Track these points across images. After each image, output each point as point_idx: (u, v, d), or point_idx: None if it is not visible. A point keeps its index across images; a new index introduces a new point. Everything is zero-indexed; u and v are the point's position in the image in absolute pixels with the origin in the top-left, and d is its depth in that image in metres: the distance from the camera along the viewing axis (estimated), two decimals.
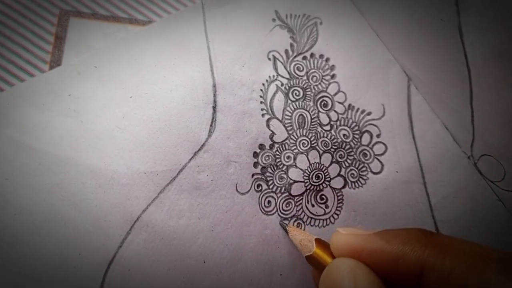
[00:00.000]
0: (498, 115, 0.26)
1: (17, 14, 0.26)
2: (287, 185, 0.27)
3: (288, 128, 0.28)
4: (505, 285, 0.16)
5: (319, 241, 0.23)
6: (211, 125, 0.26)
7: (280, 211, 0.26)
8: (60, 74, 0.25)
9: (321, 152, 0.28)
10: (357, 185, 0.28)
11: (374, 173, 0.28)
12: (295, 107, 0.28)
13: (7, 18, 0.26)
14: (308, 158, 0.27)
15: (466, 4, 0.24)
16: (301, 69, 0.29)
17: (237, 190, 0.26)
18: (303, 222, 0.27)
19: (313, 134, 0.28)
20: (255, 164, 0.27)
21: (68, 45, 0.27)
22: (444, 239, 0.19)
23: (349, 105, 0.29)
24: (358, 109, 0.29)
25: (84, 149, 0.24)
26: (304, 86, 0.29)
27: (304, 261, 0.23)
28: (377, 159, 0.29)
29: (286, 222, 0.26)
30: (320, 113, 0.28)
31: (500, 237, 0.29)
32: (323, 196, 0.27)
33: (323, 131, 0.28)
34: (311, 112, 0.28)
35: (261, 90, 0.28)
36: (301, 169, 0.27)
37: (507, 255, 0.17)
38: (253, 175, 0.26)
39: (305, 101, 0.28)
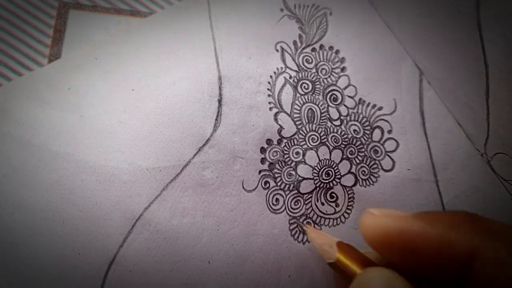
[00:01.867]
0: None
1: (14, 7, 0.26)
2: (295, 182, 0.26)
3: (297, 123, 0.27)
4: None
5: (342, 246, 0.20)
6: (216, 119, 0.26)
7: (289, 209, 0.26)
8: (59, 66, 0.25)
9: (331, 148, 0.27)
10: (368, 183, 0.27)
11: (385, 171, 0.28)
12: (304, 100, 0.27)
13: (5, 11, 0.26)
14: (317, 154, 0.27)
15: None
16: (310, 61, 0.28)
17: (243, 187, 0.25)
18: (313, 221, 0.26)
19: (323, 129, 0.27)
20: (263, 160, 0.26)
21: (68, 39, 0.26)
22: (495, 225, 0.17)
23: (360, 99, 0.29)
24: (369, 103, 0.29)
25: (83, 144, 0.23)
26: (313, 79, 0.28)
27: (314, 262, 0.22)
28: (389, 156, 0.28)
29: (303, 223, 0.25)
30: (330, 108, 0.28)
31: None
32: (333, 194, 0.27)
33: (333, 126, 0.28)
34: (321, 106, 0.28)
35: (269, 82, 0.27)
36: (310, 165, 0.27)
37: None
38: (260, 172, 0.26)
39: (314, 95, 0.28)
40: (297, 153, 0.27)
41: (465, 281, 0.17)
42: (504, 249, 0.16)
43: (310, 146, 0.27)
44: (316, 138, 0.27)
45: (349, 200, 0.27)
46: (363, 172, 0.27)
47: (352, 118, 0.28)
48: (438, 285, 0.18)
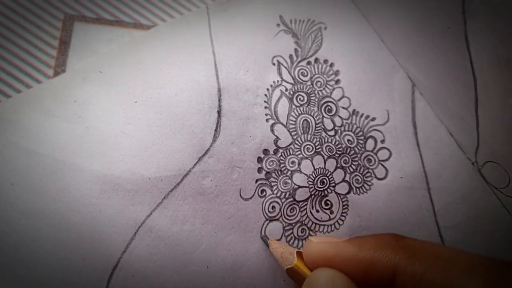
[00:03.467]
0: (503, 122, 0.26)
1: (21, 19, 0.26)
2: (291, 191, 0.27)
3: (293, 133, 0.28)
4: (476, 287, 0.16)
5: (300, 254, 0.23)
6: (215, 130, 0.26)
7: (285, 216, 0.26)
8: (66, 80, 0.25)
9: (325, 157, 0.28)
10: (361, 191, 0.28)
11: (379, 179, 0.28)
12: (300, 112, 0.28)
13: (12, 23, 0.26)
14: (312, 163, 0.27)
15: (473, 12, 0.24)
16: (306, 74, 0.29)
17: (240, 196, 0.26)
18: (308, 228, 0.27)
19: (318, 139, 0.28)
20: (259, 169, 0.26)
21: (73, 50, 0.27)
22: (415, 243, 0.19)
23: (354, 110, 0.29)
24: (362, 114, 0.29)
25: (88, 154, 0.24)
26: (309, 91, 0.29)
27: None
28: (382, 164, 0.28)
29: (267, 236, 0.26)
30: (324, 118, 0.28)
31: (504, 243, 0.28)
32: (328, 202, 0.27)
33: (328, 136, 0.28)
34: (316, 117, 0.28)
35: (266, 95, 0.28)
36: (305, 174, 0.27)
37: (477, 256, 0.18)
38: (257, 181, 0.26)
39: (309, 106, 0.28)
40: (293, 162, 0.27)
41: None
42: (420, 265, 0.18)
43: (305, 155, 0.27)
44: (311, 148, 0.28)
45: (343, 207, 0.27)
46: (356, 181, 0.28)
47: (346, 129, 0.29)
48: None
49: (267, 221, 0.26)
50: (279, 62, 0.28)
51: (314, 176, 0.27)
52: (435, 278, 0.17)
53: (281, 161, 0.27)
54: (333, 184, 0.27)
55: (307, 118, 0.28)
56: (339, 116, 0.29)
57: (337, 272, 0.20)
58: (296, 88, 0.28)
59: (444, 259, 0.18)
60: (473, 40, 0.24)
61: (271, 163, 0.27)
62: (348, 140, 0.28)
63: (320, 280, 0.20)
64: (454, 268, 0.17)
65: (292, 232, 0.26)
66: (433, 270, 0.17)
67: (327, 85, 0.29)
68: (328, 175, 0.27)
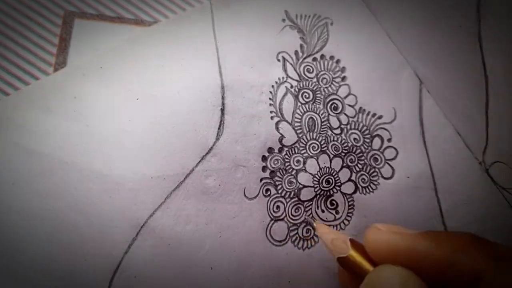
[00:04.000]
0: None
1: (20, 16, 0.26)
2: (296, 190, 0.26)
3: (298, 131, 0.27)
4: None
5: (354, 242, 0.20)
6: (219, 128, 0.26)
7: (289, 216, 0.26)
8: (65, 76, 0.25)
9: (331, 156, 0.27)
10: (368, 190, 0.28)
11: (385, 178, 0.28)
12: (305, 109, 0.28)
13: (11, 20, 0.26)
14: (318, 162, 0.27)
15: (488, 10, 0.23)
16: (311, 70, 0.29)
17: (245, 195, 0.26)
18: (313, 228, 0.26)
19: (323, 138, 0.28)
20: (264, 168, 0.26)
21: (73, 47, 0.26)
22: (501, 249, 0.17)
23: (360, 108, 0.29)
24: (369, 112, 0.29)
25: (89, 153, 0.24)
26: (314, 89, 0.28)
27: (314, 268, 0.23)
28: (388, 164, 0.28)
29: (313, 218, 0.25)
30: (330, 116, 0.28)
31: None
32: (333, 202, 0.27)
33: (334, 134, 0.28)
34: (321, 115, 0.28)
35: (270, 92, 0.27)
36: (311, 173, 0.27)
37: None
38: (261, 180, 0.26)
39: (315, 104, 0.28)
40: (298, 161, 0.27)
41: None
42: (507, 272, 0.16)
43: (311, 154, 0.27)
44: (316, 146, 0.27)
45: (349, 207, 0.27)
46: (363, 180, 0.28)
47: (352, 127, 0.28)
48: None
49: (272, 221, 0.26)
50: (284, 58, 0.28)
51: (320, 176, 0.27)
52: None
53: (286, 160, 0.27)
54: (339, 183, 0.27)
55: (312, 116, 0.28)
56: (345, 114, 0.28)
57: (411, 274, 0.17)
58: (301, 85, 0.28)
59: None
60: (486, 39, 0.24)
61: (275, 162, 0.26)
62: (354, 139, 0.28)
63: (389, 280, 0.17)
64: None
65: (297, 233, 0.26)
66: None
67: (333, 82, 0.29)
68: (333, 174, 0.27)
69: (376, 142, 0.28)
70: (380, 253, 0.19)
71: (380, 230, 0.19)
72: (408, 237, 0.18)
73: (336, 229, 0.27)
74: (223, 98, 0.26)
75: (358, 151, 0.28)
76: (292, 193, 0.26)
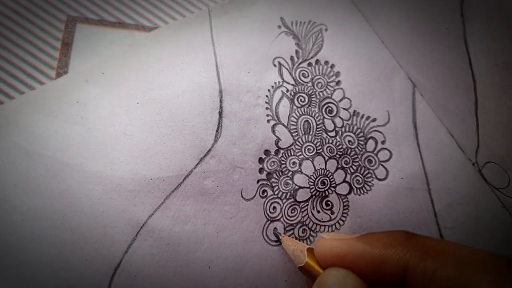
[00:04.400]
0: (503, 124, 0.26)
1: (24, 20, 0.26)
2: (292, 191, 0.27)
3: (294, 134, 0.28)
4: (490, 285, 0.16)
5: (311, 251, 0.22)
6: (217, 131, 0.26)
7: (285, 217, 0.26)
8: (68, 81, 0.25)
9: (326, 158, 0.28)
10: (362, 191, 0.28)
11: (379, 180, 0.28)
12: (301, 113, 0.28)
13: (14, 24, 0.26)
14: (313, 164, 0.27)
15: (472, 14, 0.24)
16: (307, 75, 0.29)
17: (242, 196, 0.26)
18: (309, 228, 0.27)
19: (319, 140, 0.28)
20: (261, 170, 0.27)
21: (75, 52, 0.27)
22: (427, 241, 0.19)
23: (354, 111, 0.29)
24: (363, 115, 0.29)
25: (91, 155, 0.24)
26: (309, 92, 0.29)
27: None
28: (382, 165, 0.29)
29: (279, 232, 0.26)
30: (325, 119, 0.29)
31: (505, 243, 0.28)
32: (328, 202, 0.27)
33: (328, 137, 0.28)
34: (317, 118, 0.28)
35: (267, 96, 0.28)
36: (306, 175, 0.27)
37: (491, 255, 0.17)
38: (258, 181, 0.26)
39: (310, 107, 0.28)
40: (294, 163, 0.27)
41: None
42: (432, 263, 0.17)
43: (306, 156, 0.28)
44: (312, 148, 0.28)
45: (344, 208, 0.27)
46: (357, 181, 0.28)
47: (347, 130, 0.29)
48: None
49: (269, 222, 0.26)
50: (280, 64, 0.29)
51: (315, 177, 0.27)
52: (447, 276, 0.17)
53: (282, 162, 0.27)
54: (334, 184, 0.28)
55: (308, 119, 0.28)
56: (340, 117, 0.29)
57: (349, 273, 0.20)
58: (297, 89, 0.28)
59: (457, 257, 0.17)
60: (472, 42, 0.24)
61: (272, 164, 0.27)
62: (349, 141, 0.28)
63: (331, 280, 0.20)
64: (467, 266, 0.17)
65: (293, 233, 0.26)
66: (446, 268, 0.17)
67: (328, 86, 0.29)
68: (329, 175, 0.28)
69: (370, 144, 0.29)
70: (326, 259, 0.21)
71: (324, 239, 0.21)
72: (348, 241, 0.20)
73: (332, 229, 0.27)
74: (221, 101, 0.27)
75: (353, 153, 0.28)
76: (288, 194, 0.27)
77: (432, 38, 0.26)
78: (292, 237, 0.26)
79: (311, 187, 0.27)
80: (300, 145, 0.28)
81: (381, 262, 0.19)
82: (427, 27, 0.27)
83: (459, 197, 0.28)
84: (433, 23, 0.26)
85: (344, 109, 0.29)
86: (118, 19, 0.28)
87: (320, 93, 0.29)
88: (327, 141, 0.28)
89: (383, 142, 0.29)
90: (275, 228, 0.26)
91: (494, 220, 0.29)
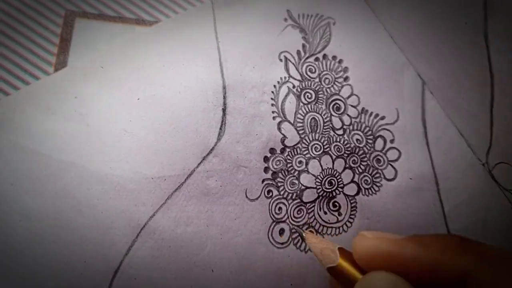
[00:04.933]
0: None
1: (21, 15, 0.26)
2: (298, 191, 0.26)
3: (300, 132, 0.27)
4: None
5: (343, 251, 0.21)
6: (220, 128, 0.26)
7: (291, 218, 0.26)
8: (66, 76, 0.25)
9: (334, 157, 0.27)
10: (370, 192, 0.27)
11: (388, 180, 0.28)
12: (307, 110, 0.28)
13: (11, 19, 0.26)
14: (320, 163, 0.27)
15: (495, 8, 0.23)
16: (314, 70, 0.29)
17: (246, 196, 0.25)
18: (315, 230, 0.26)
19: (326, 139, 0.27)
20: (266, 169, 0.26)
21: (74, 47, 0.26)
22: (485, 247, 0.18)
23: (363, 108, 0.29)
24: (371, 113, 0.29)
25: (89, 153, 0.24)
26: (316, 89, 0.28)
27: (316, 271, 0.22)
28: (391, 165, 0.28)
29: (302, 229, 0.25)
30: (332, 117, 0.28)
31: None
32: (336, 203, 0.27)
33: (336, 135, 0.28)
34: (324, 115, 0.28)
35: (272, 92, 0.27)
36: (313, 174, 0.27)
37: None
38: (263, 181, 0.26)
39: (317, 104, 0.28)
40: (300, 162, 0.27)
41: None
42: (496, 274, 0.16)
43: (313, 155, 0.27)
44: (319, 147, 0.27)
45: (352, 209, 0.27)
46: (365, 181, 0.28)
47: (355, 128, 0.28)
48: None
49: (274, 223, 0.26)
50: (286, 58, 0.28)
51: (322, 177, 0.27)
52: (509, 285, 0.16)
53: (288, 161, 0.27)
54: (342, 185, 0.27)
55: (315, 116, 0.28)
56: (348, 115, 0.28)
57: (398, 278, 0.18)
58: (303, 85, 0.28)
59: None
60: (493, 36, 0.24)
61: (277, 163, 0.26)
62: (357, 140, 0.28)
63: (377, 286, 0.18)
64: None
65: (299, 236, 0.26)
66: (507, 276, 0.16)
67: (336, 82, 0.29)
68: (336, 175, 0.27)
69: (379, 143, 0.28)
70: (368, 260, 0.19)
71: (366, 238, 0.19)
72: (395, 242, 0.19)
73: (339, 231, 0.27)
74: (224, 98, 0.26)
75: (361, 152, 0.28)
76: (294, 194, 0.26)
77: (446, 32, 0.26)
78: (298, 239, 0.26)
79: (318, 187, 0.27)
80: (307, 144, 0.27)
81: (437, 267, 0.17)
82: (440, 22, 0.26)
83: (468, 198, 0.28)
84: (450, 18, 0.25)
85: (352, 106, 0.29)
86: (118, 13, 0.28)
87: (328, 90, 0.29)
88: (334, 139, 0.28)
89: (392, 141, 0.29)
90: (295, 227, 0.25)
91: (504, 221, 0.28)
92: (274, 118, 0.27)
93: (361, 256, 0.19)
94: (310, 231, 0.26)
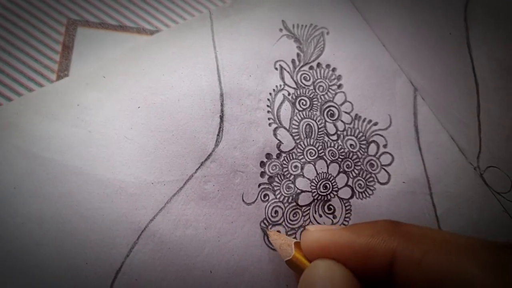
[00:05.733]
0: (505, 128, 0.26)
1: (24, 23, 0.26)
2: (294, 195, 0.27)
3: (295, 138, 0.28)
4: (475, 270, 0.16)
5: (298, 245, 0.22)
6: (218, 135, 0.26)
7: (287, 221, 0.26)
8: (69, 84, 0.25)
9: (328, 162, 0.28)
10: (364, 195, 0.28)
11: (381, 184, 0.28)
12: (302, 116, 0.28)
13: (15, 27, 0.26)
14: (315, 168, 0.27)
15: (475, 19, 0.24)
16: (308, 78, 0.29)
17: (243, 200, 0.26)
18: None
19: (320, 144, 0.28)
20: (262, 174, 0.26)
21: (76, 55, 0.27)
22: (412, 228, 0.19)
23: (356, 115, 0.29)
24: (364, 119, 0.29)
25: (92, 159, 0.24)
26: (311, 96, 0.29)
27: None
28: (384, 169, 0.29)
29: (267, 227, 0.25)
30: (327, 123, 0.28)
31: None
32: (330, 206, 0.27)
33: (330, 140, 0.28)
34: (318, 121, 0.28)
35: (268, 99, 0.28)
36: (308, 178, 0.27)
37: (477, 240, 0.18)
38: (259, 185, 0.26)
39: (312, 111, 0.28)
40: (296, 166, 0.27)
41: (391, 282, 0.18)
42: (418, 250, 0.17)
43: (308, 160, 0.27)
44: (314, 152, 0.28)
45: (346, 212, 0.27)
46: (359, 185, 0.28)
47: (349, 133, 0.29)
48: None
49: (270, 226, 0.26)
50: (281, 67, 0.29)
51: (317, 181, 0.27)
52: (434, 261, 0.17)
53: (284, 166, 0.27)
54: (336, 188, 0.27)
55: (309, 123, 0.28)
56: (342, 121, 0.29)
57: (335, 263, 0.20)
58: (298, 93, 0.28)
59: (443, 242, 0.18)
60: (475, 46, 0.25)
61: (273, 168, 0.27)
62: (351, 145, 0.28)
63: (317, 272, 0.19)
64: (453, 251, 0.17)
65: (295, 237, 0.26)
66: (432, 253, 0.17)
67: (330, 90, 0.29)
68: (331, 179, 0.27)
69: (372, 148, 0.29)
70: (311, 251, 0.21)
71: (309, 231, 0.21)
72: (333, 232, 0.20)
73: None
74: (222, 105, 0.27)
75: (355, 157, 0.28)
76: (290, 198, 0.27)
77: (434, 42, 0.27)
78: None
79: (313, 191, 0.27)
80: (302, 149, 0.28)
81: (368, 250, 0.19)
82: (429, 32, 0.27)
83: (460, 201, 0.28)
84: (436, 28, 0.26)
85: (345, 112, 0.29)
86: (119, 22, 0.28)
87: (322, 97, 0.29)
88: (329, 144, 0.28)
89: (385, 146, 0.29)
90: (261, 222, 0.26)
91: (495, 224, 0.28)
92: (270, 124, 0.27)
93: (307, 248, 0.21)
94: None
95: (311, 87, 0.29)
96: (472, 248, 0.17)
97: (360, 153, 0.28)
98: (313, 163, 0.27)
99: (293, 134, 0.28)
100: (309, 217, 0.27)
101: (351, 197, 0.28)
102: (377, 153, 0.29)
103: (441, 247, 0.17)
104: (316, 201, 0.27)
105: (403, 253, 0.18)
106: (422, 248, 0.18)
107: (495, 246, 0.17)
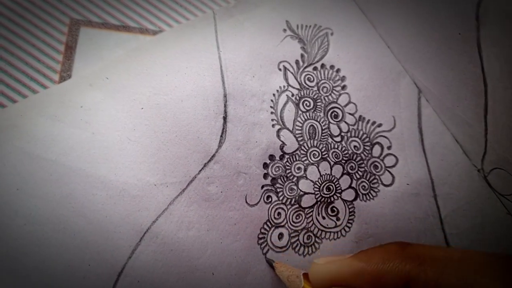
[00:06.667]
0: None
1: (27, 24, 0.26)
2: (297, 197, 0.27)
3: (299, 139, 0.27)
4: (492, 285, 0.16)
5: (306, 276, 0.22)
6: (221, 136, 0.26)
7: (290, 223, 0.26)
8: (72, 85, 0.25)
9: (332, 163, 0.28)
10: (368, 197, 0.28)
11: (385, 185, 0.28)
12: (306, 117, 0.28)
13: (17, 27, 0.26)
14: (319, 169, 0.27)
15: (487, 19, 0.24)
16: (312, 79, 0.29)
17: (246, 202, 0.26)
18: (314, 234, 0.26)
19: (324, 145, 0.28)
20: (265, 175, 0.26)
21: (79, 55, 0.27)
22: (422, 249, 0.19)
23: (360, 116, 0.29)
24: (368, 120, 0.29)
25: (94, 160, 0.24)
26: (315, 97, 0.29)
27: None
28: (388, 171, 0.28)
29: (273, 259, 0.25)
30: (330, 124, 0.28)
31: (510, 250, 0.28)
32: (334, 208, 0.27)
33: (334, 142, 0.28)
34: (322, 123, 0.28)
35: (272, 100, 0.28)
36: (311, 180, 0.27)
37: (486, 255, 0.18)
38: (262, 187, 0.26)
39: (315, 112, 0.28)
40: (299, 168, 0.27)
41: None
42: (431, 270, 0.18)
43: (312, 161, 0.27)
44: (317, 153, 0.28)
45: (350, 214, 0.27)
46: (363, 187, 0.28)
47: (353, 135, 0.29)
48: None
49: (273, 228, 0.26)
50: (285, 68, 0.28)
51: (320, 183, 0.27)
52: (449, 282, 0.17)
53: (287, 167, 0.27)
54: (340, 190, 0.27)
55: (313, 124, 0.28)
56: (346, 122, 0.29)
57: None
58: (302, 94, 0.28)
59: (455, 261, 0.18)
60: (486, 47, 0.24)
61: (277, 169, 0.27)
62: (355, 146, 0.28)
63: None
64: (466, 269, 0.17)
65: (298, 239, 0.26)
66: (446, 274, 0.17)
67: (334, 91, 0.29)
68: (334, 181, 0.27)
69: (376, 150, 0.29)
70: (323, 283, 0.21)
71: (318, 264, 0.22)
72: (343, 262, 0.21)
73: (337, 236, 0.27)
74: (225, 106, 0.26)
75: (359, 158, 0.28)
76: (293, 200, 0.26)
77: (441, 42, 0.26)
78: (297, 244, 0.26)
79: (316, 193, 0.27)
80: (305, 150, 0.27)
81: (380, 278, 0.19)
82: (435, 32, 0.27)
83: (464, 203, 0.28)
84: (444, 29, 0.26)
85: (349, 114, 0.29)
86: (122, 22, 0.28)
87: (326, 98, 0.29)
88: (332, 146, 0.28)
89: (389, 148, 0.29)
90: (266, 254, 0.26)
91: (499, 227, 0.29)
92: (273, 125, 0.27)
93: (315, 281, 0.21)
94: (309, 236, 0.26)
95: (315, 88, 0.29)
96: (486, 264, 0.17)
97: (364, 155, 0.28)
98: (316, 164, 0.27)
99: (297, 136, 0.27)
100: (312, 219, 0.27)
101: (355, 199, 0.27)
102: (381, 154, 0.29)
103: (454, 267, 0.17)
104: (319, 203, 0.27)
105: (418, 276, 0.18)
106: (436, 270, 0.18)
107: (507, 259, 0.17)
